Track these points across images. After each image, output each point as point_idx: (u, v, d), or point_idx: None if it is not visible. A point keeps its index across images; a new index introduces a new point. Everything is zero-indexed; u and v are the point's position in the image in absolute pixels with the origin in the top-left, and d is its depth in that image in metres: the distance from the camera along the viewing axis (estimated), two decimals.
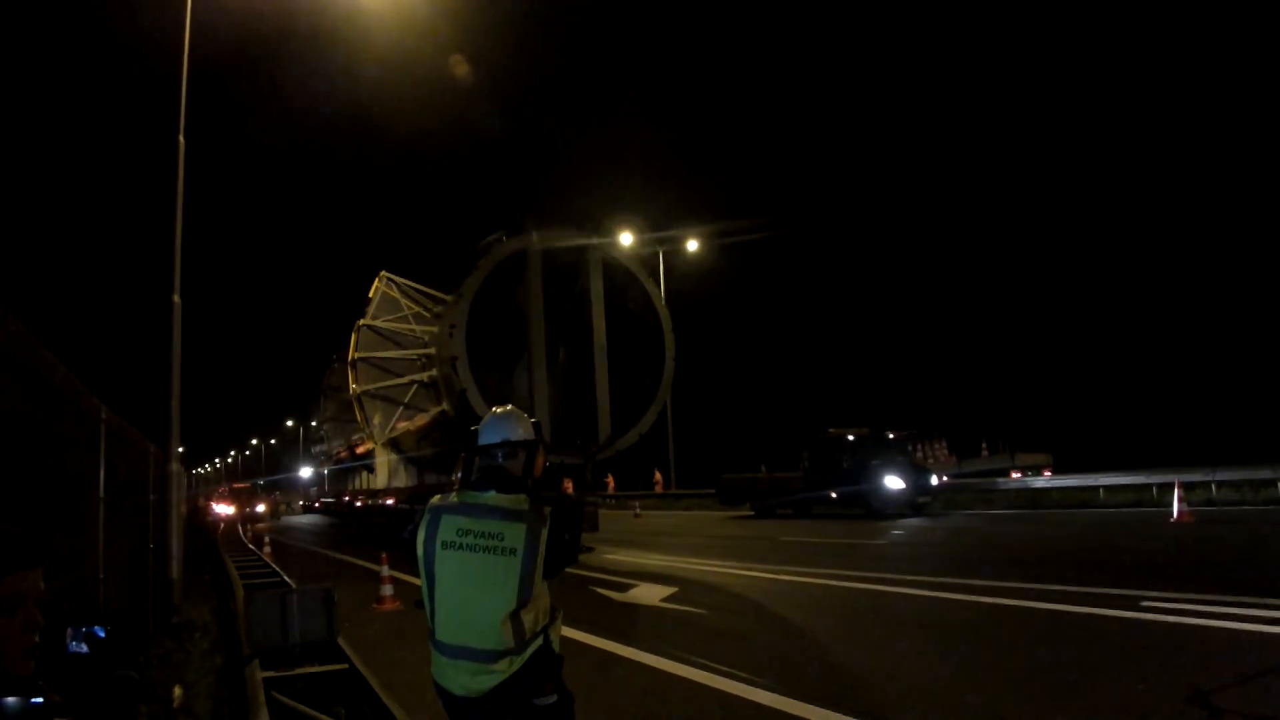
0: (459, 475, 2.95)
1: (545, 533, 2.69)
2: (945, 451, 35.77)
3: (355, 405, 21.99)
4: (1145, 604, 7.69)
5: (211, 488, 62.10)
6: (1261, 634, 6.43)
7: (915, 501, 20.68)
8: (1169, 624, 6.94)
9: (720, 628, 8.24)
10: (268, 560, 15.69)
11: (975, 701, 5.30)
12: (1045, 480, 22.50)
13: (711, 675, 6.28)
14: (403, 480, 23.74)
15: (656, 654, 7.04)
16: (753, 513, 24.16)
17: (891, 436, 22.44)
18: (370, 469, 27.52)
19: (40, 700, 1.31)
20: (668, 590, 10.56)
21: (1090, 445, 32.21)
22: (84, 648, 1.67)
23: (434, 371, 17.78)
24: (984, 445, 36.14)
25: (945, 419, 38.03)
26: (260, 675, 5.48)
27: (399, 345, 20.51)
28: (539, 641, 2.67)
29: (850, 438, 22.22)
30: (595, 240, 15.84)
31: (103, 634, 1.70)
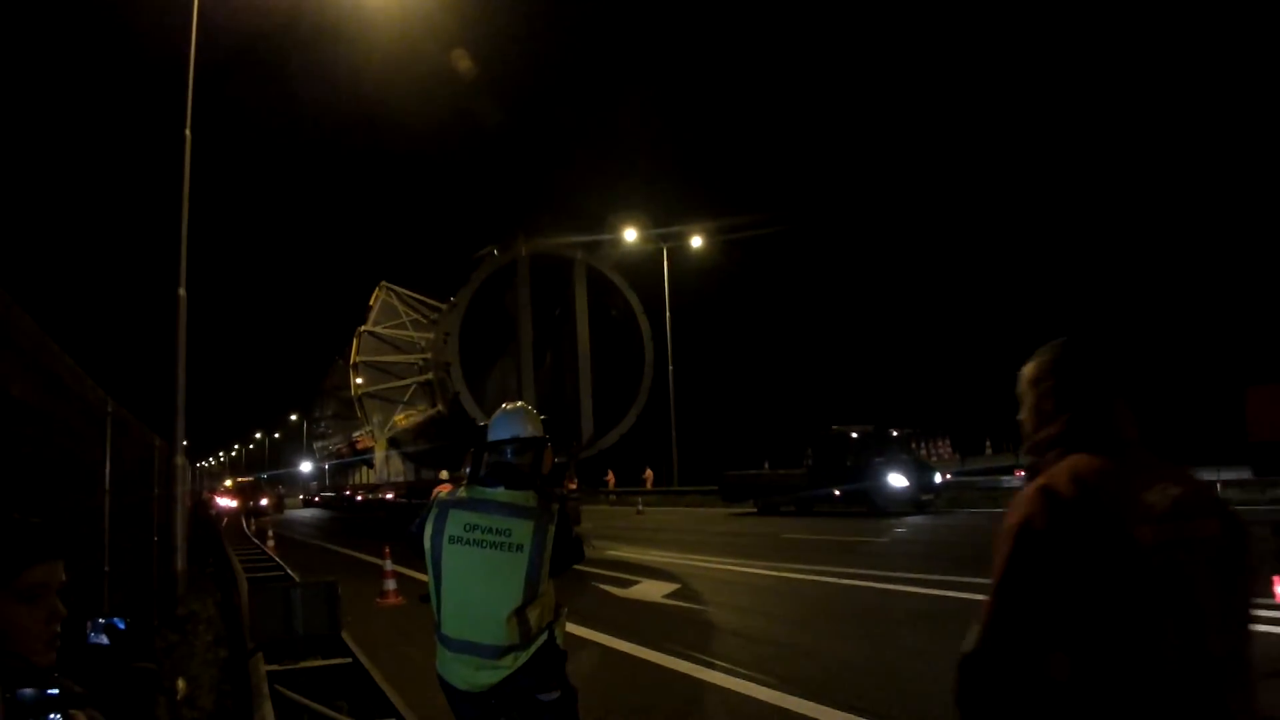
0: (467, 470, 2.95)
1: (553, 529, 2.69)
2: (949, 449, 35.82)
3: (356, 405, 23.84)
4: None
5: (215, 481, 62.26)
6: (1267, 634, 6.42)
7: (919, 499, 20.66)
8: None
9: (722, 624, 8.25)
10: (271, 554, 15.75)
11: None
12: None
13: (713, 672, 6.29)
14: (400, 475, 25.24)
15: (658, 650, 7.05)
16: (756, 510, 24.16)
17: (895, 434, 22.42)
18: (370, 464, 28.97)
19: (56, 691, 1.32)
20: (670, 586, 10.58)
21: None
22: (104, 639, 1.69)
23: (430, 375, 18.87)
24: (988, 443, 36.17)
25: (949, 416, 38.06)
26: (264, 668, 5.50)
27: (398, 349, 22.08)
28: (544, 637, 2.68)
29: (854, 435, 22.19)
30: (580, 254, 16.94)
31: (123, 625, 1.71)
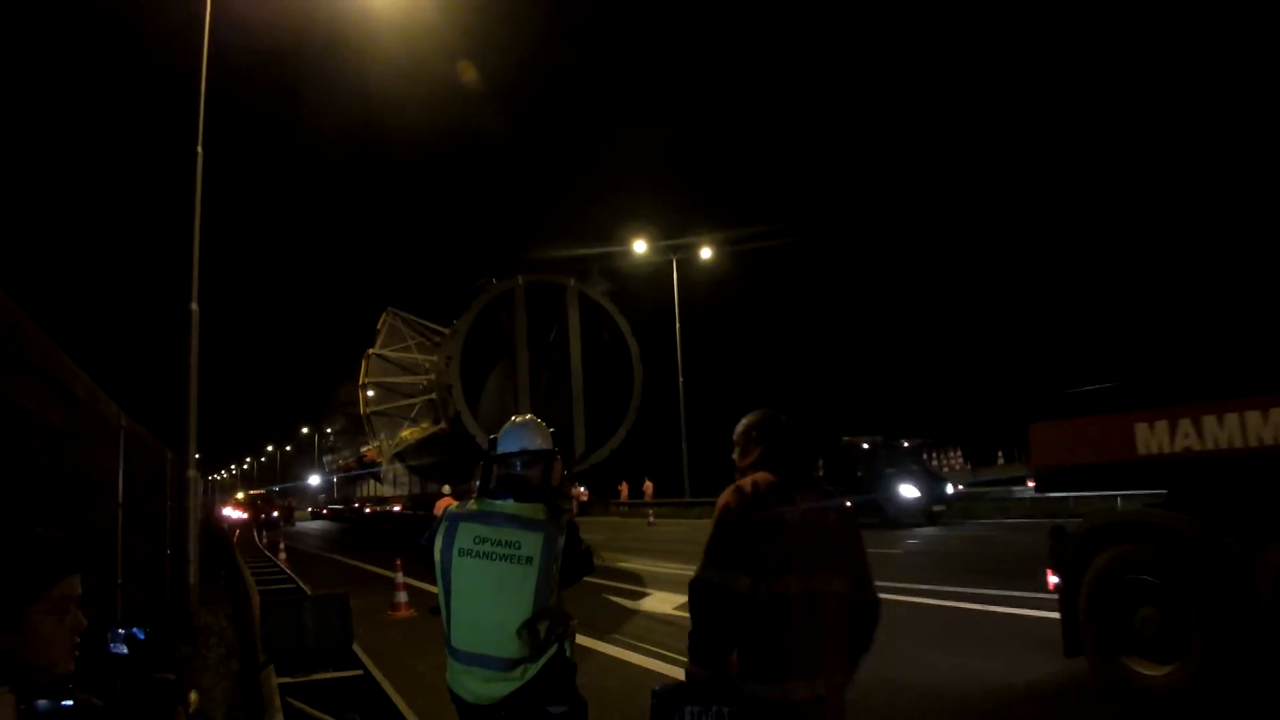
0: (476, 483, 2.96)
1: (562, 541, 2.69)
2: (960, 460, 35.61)
3: (365, 422, 25.69)
4: None
5: (226, 494, 62.57)
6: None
7: (930, 510, 20.55)
8: None
9: None
10: (283, 566, 15.80)
11: (987, 709, 5.26)
12: None
13: None
14: (406, 488, 26.95)
15: (669, 663, 7.02)
16: None
17: (906, 445, 22.32)
18: (377, 477, 30.22)
19: (70, 703, 1.33)
20: (681, 599, 10.53)
21: None
22: (124, 649, 1.71)
23: (434, 395, 20.42)
24: (1000, 453, 35.94)
25: (960, 427, 37.82)
26: (276, 681, 5.51)
27: (404, 370, 23.99)
28: (554, 650, 2.68)
29: (864, 446, 22.10)
30: (573, 282, 18.07)
31: (142, 636, 1.73)
